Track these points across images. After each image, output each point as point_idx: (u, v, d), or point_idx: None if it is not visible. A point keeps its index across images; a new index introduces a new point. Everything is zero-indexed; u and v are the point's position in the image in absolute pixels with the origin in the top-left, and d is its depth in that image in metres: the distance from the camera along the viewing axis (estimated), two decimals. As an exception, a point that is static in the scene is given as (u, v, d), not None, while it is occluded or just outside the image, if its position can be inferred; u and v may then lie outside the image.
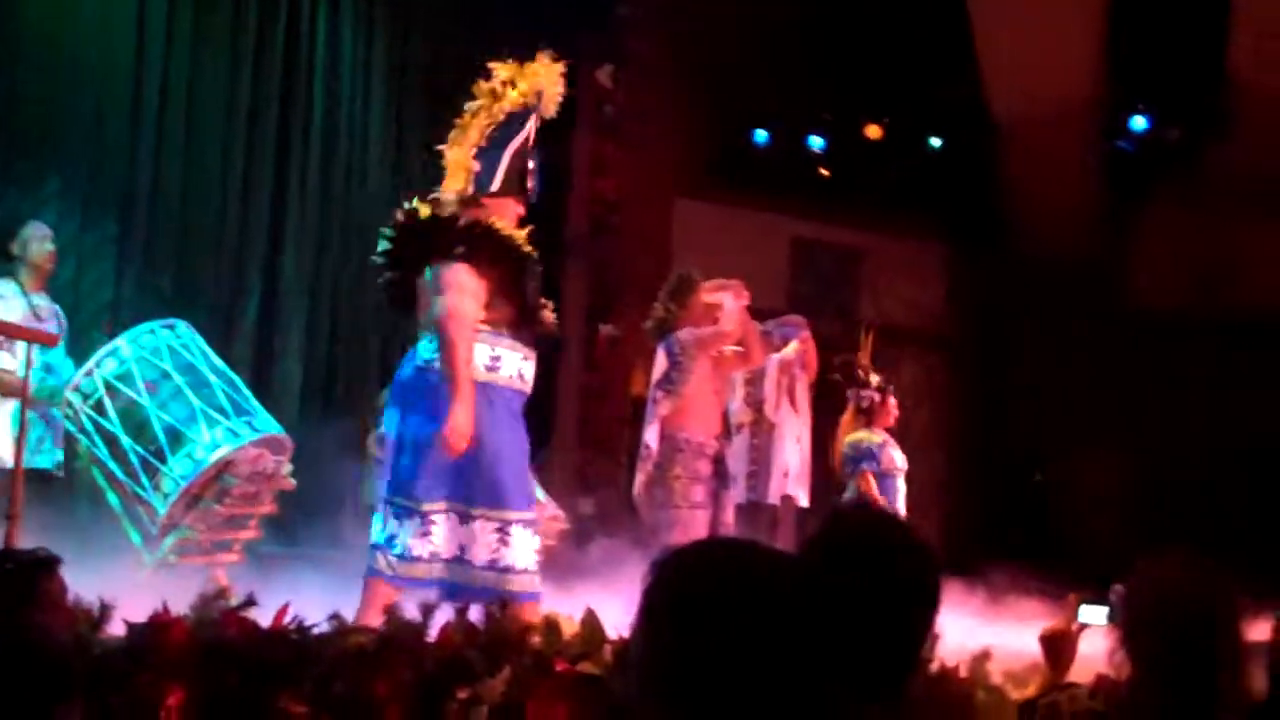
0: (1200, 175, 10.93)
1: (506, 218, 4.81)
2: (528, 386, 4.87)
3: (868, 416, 7.45)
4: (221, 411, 6.22)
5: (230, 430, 6.20)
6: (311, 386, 9.27)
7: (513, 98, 4.88)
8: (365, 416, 8.16)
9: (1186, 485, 10.30)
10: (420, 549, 4.56)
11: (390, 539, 4.61)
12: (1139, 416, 10.74)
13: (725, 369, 6.33)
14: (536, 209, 5.04)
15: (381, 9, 9.91)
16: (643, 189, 10.54)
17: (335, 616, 3.70)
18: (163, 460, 6.01)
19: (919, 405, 7.68)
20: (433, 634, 3.66)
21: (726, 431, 6.30)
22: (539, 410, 5.91)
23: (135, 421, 6.07)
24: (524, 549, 4.65)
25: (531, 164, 4.92)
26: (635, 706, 1.50)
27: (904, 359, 10.76)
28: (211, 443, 6.09)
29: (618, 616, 3.42)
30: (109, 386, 6.09)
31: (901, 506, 7.29)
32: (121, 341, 6.23)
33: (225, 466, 6.15)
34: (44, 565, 3.14)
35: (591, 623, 3.67)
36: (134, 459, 6.02)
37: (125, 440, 6.04)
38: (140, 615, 3.50)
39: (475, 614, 3.72)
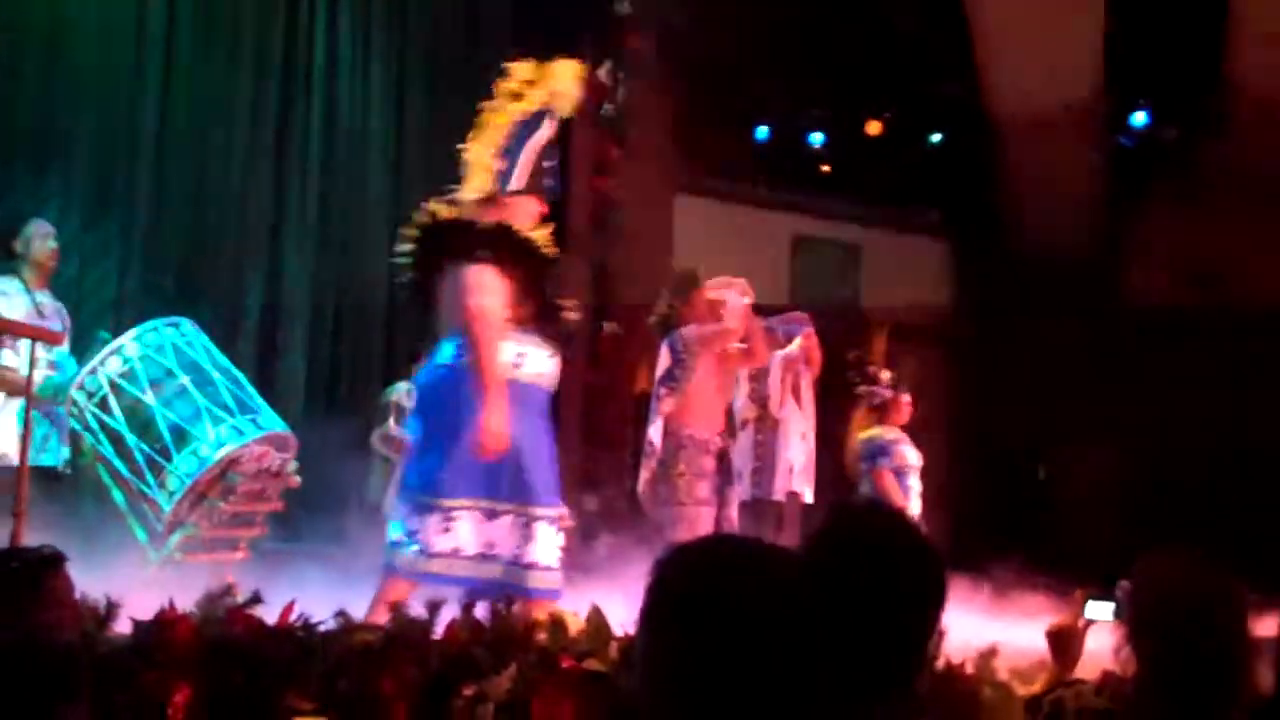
0: (1197, 173, 10.94)
1: (527, 216, 4.86)
2: (552, 383, 4.92)
3: (880, 414, 7.45)
4: (226, 409, 6.24)
5: (235, 428, 6.22)
6: (315, 383, 9.27)
7: (536, 98, 4.91)
8: (369, 414, 8.17)
9: (1187, 480, 10.29)
10: (441, 544, 4.58)
11: (410, 534, 4.63)
12: (1138, 412, 10.74)
13: (729, 366, 6.33)
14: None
15: (380, 6, 9.91)
16: (643, 187, 10.53)
17: (341, 613, 3.70)
18: (168, 458, 6.02)
19: (919, 401, 7.67)
20: (439, 631, 3.67)
21: (731, 428, 6.30)
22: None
23: (140, 419, 6.08)
24: (547, 546, 4.68)
25: (548, 163, 4.96)
26: (640, 704, 1.51)
27: (904, 354, 10.75)
28: (216, 440, 6.11)
29: (623, 614, 3.42)
30: (114, 385, 6.10)
31: (916, 504, 7.29)
32: (126, 339, 6.24)
33: (230, 464, 6.17)
34: (50, 563, 3.15)
35: (597, 620, 3.68)
36: (139, 457, 6.04)
37: (130, 438, 6.05)
38: (146, 613, 3.51)
39: (481, 611, 3.73)
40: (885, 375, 7.56)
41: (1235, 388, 10.53)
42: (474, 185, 4.84)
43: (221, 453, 6.10)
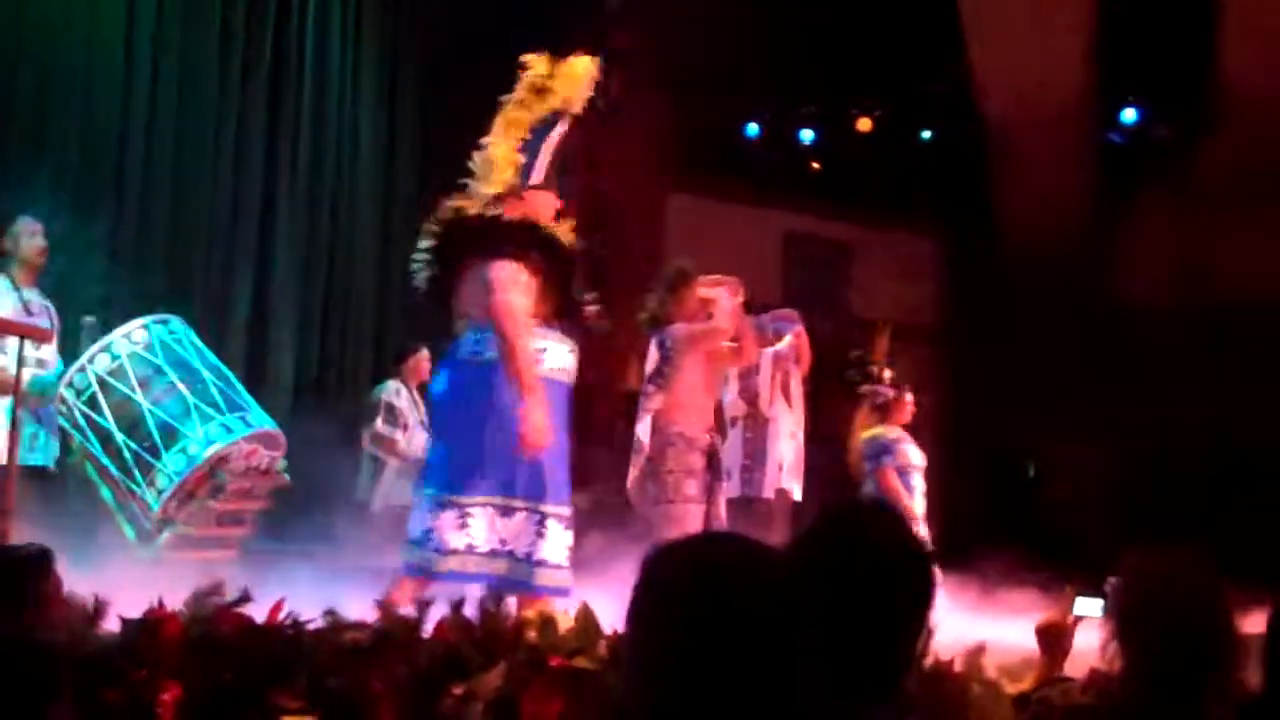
0: (1188, 170, 10.96)
1: (546, 211, 4.88)
2: (571, 378, 4.94)
3: (882, 413, 7.46)
4: (215, 407, 6.23)
5: (224, 425, 6.21)
6: (304, 381, 9.26)
7: (558, 95, 4.92)
8: (358, 412, 8.17)
9: (1177, 478, 10.32)
10: (455, 542, 4.59)
11: (426, 533, 4.64)
12: (1127, 409, 10.76)
13: (718, 365, 6.33)
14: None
15: (371, 4, 9.89)
16: (634, 184, 10.53)
17: (329, 612, 3.69)
18: (156, 456, 6.01)
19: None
20: (428, 629, 3.66)
21: (720, 426, 6.30)
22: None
23: (129, 417, 6.07)
24: (557, 544, 4.70)
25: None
26: (629, 702, 1.51)
27: (895, 352, 10.76)
28: (205, 438, 6.10)
29: (613, 611, 3.42)
30: (102, 382, 6.09)
31: (920, 503, 7.30)
32: (114, 337, 6.22)
33: (219, 462, 6.16)
34: (38, 561, 3.14)
35: (586, 618, 3.67)
36: (127, 455, 6.03)
37: (119, 436, 6.05)
38: (135, 611, 3.50)
39: (470, 609, 3.72)
40: (888, 374, 7.57)
41: (1225, 385, 10.55)
42: (498, 180, 4.84)
43: (210, 451, 6.09)
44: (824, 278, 12.13)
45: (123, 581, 3.96)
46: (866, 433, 7.42)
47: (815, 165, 12.33)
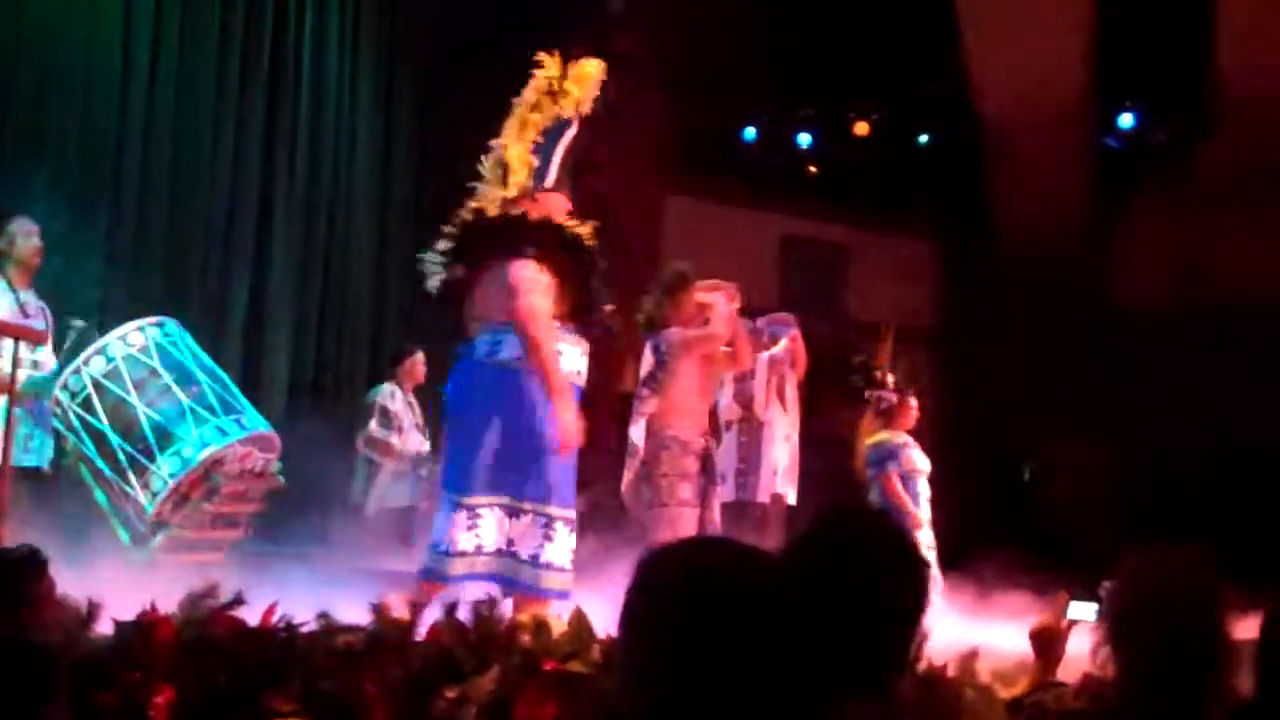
0: (1185, 173, 10.97)
1: (558, 211, 4.90)
2: (583, 380, 4.97)
3: (886, 418, 7.46)
4: (210, 409, 6.22)
5: (218, 428, 6.20)
6: (300, 384, 9.26)
7: (571, 96, 4.93)
8: (353, 415, 8.16)
9: (1173, 481, 10.32)
10: (465, 543, 4.62)
11: (441, 536, 4.68)
12: (1123, 412, 10.77)
13: (713, 369, 6.32)
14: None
15: (368, 7, 9.89)
16: (631, 186, 10.53)
17: (323, 615, 3.69)
18: (151, 458, 6.00)
19: (908, 402, 7.73)
20: (421, 632, 3.66)
21: (715, 429, 6.29)
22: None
23: (123, 419, 6.06)
24: (563, 547, 4.73)
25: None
26: (623, 706, 1.50)
27: (896, 355, 10.78)
28: (200, 440, 6.09)
29: (607, 615, 3.42)
30: (97, 384, 6.08)
31: (926, 508, 7.30)
32: (110, 339, 6.22)
33: (214, 465, 6.15)
34: (32, 563, 3.14)
35: (580, 621, 3.67)
36: (122, 457, 6.02)
37: (113, 438, 6.04)
38: (128, 614, 3.49)
39: (464, 612, 3.72)
40: (891, 379, 7.57)
41: (1221, 386, 10.55)
42: (513, 182, 4.85)
43: (205, 453, 6.08)
44: (821, 280, 12.14)
45: (116, 584, 3.96)
46: (871, 438, 7.42)
47: (812, 168, 12.33)
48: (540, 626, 3.62)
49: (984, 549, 7.65)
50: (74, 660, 3.16)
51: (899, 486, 7.22)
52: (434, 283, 4.90)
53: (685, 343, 6.06)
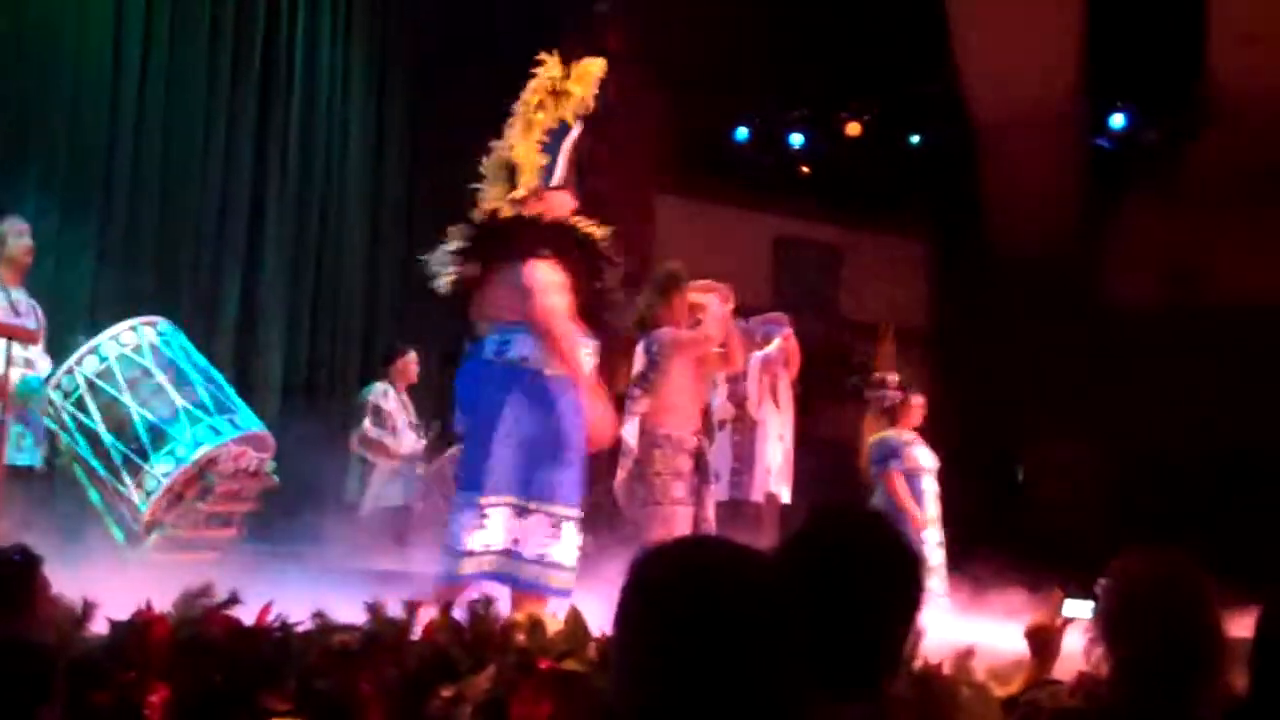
0: (1177, 173, 11.00)
1: (564, 211, 4.90)
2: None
3: (890, 416, 7.46)
4: (203, 408, 6.22)
5: (212, 427, 6.20)
6: (293, 382, 9.25)
7: (575, 96, 4.93)
8: (347, 414, 8.16)
9: (1167, 480, 10.35)
10: (473, 543, 4.61)
11: (452, 537, 4.68)
12: (1117, 412, 10.79)
13: (705, 369, 6.32)
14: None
15: (360, 6, 9.89)
16: (624, 186, 10.53)
17: (318, 614, 3.69)
18: (145, 458, 5.99)
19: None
20: (417, 631, 3.66)
21: (709, 429, 6.30)
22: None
23: (117, 419, 6.05)
24: (569, 546, 4.73)
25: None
26: (618, 705, 1.51)
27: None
28: (193, 440, 6.09)
29: (602, 614, 3.42)
30: (90, 384, 6.07)
31: (932, 506, 7.30)
32: (103, 338, 6.21)
33: (208, 464, 6.15)
34: (26, 563, 3.13)
35: (576, 620, 3.67)
36: (116, 457, 6.01)
37: (107, 438, 6.03)
38: (123, 613, 3.49)
39: (459, 612, 3.72)
40: (894, 378, 7.58)
41: (1212, 386, 10.58)
42: (523, 182, 4.85)
43: (199, 453, 6.08)
44: (814, 280, 12.14)
45: (111, 583, 3.95)
46: (874, 436, 7.42)
47: (805, 168, 12.34)
48: (535, 625, 3.62)
49: (978, 548, 7.66)
50: (69, 660, 3.16)
51: (901, 484, 7.22)
52: (443, 282, 4.89)
53: (677, 343, 6.06)
